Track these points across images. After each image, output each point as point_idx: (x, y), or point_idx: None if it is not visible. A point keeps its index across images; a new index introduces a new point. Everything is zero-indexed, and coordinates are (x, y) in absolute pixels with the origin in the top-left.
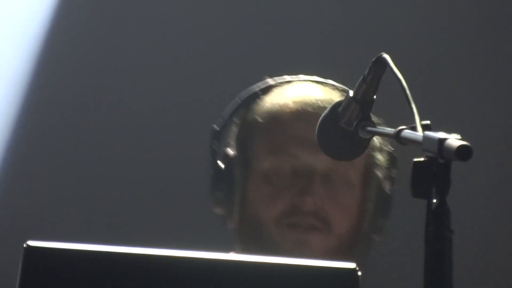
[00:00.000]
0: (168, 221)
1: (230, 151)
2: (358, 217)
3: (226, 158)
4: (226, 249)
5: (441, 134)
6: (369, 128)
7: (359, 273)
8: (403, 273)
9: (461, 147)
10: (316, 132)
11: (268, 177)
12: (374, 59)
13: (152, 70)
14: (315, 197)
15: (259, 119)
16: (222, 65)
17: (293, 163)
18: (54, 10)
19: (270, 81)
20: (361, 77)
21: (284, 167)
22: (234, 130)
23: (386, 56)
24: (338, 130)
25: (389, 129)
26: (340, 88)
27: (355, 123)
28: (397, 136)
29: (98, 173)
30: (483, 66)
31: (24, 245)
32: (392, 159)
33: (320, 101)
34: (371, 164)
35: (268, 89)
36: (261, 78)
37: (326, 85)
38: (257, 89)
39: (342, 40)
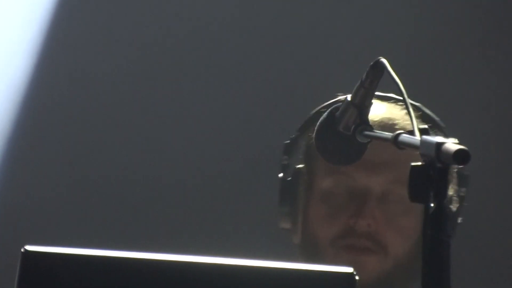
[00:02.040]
0: (168, 223)
1: (298, 167)
2: (418, 239)
3: (292, 173)
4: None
5: (438, 139)
6: (367, 133)
7: (357, 278)
8: None
9: (458, 151)
10: (314, 136)
11: (326, 196)
12: (372, 64)
13: (151, 70)
14: (368, 219)
15: None
16: (221, 67)
17: (349, 183)
18: (53, 11)
19: (341, 98)
20: (359, 81)
21: (340, 188)
22: (303, 145)
23: (384, 61)
24: (336, 135)
25: (387, 133)
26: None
27: (353, 127)
28: (395, 140)
29: (98, 175)
30: (482, 70)
31: (22, 250)
32: (462, 177)
33: (380, 120)
34: None
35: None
36: (258, 80)
37: (390, 102)
38: (324, 106)
39: (341, 44)
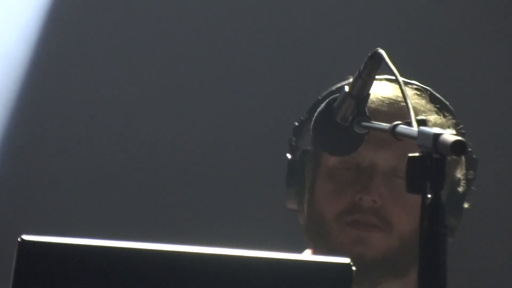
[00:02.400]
0: (163, 216)
1: (305, 148)
2: None
3: (299, 154)
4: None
5: (436, 129)
6: (364, 123)
7: (354, 268)
8: None
9: (456, 142)
10: (311, 127)
11: (332, 174)
12: (369, 54)
13: (147, 66)
14: (374, 195)
15: None
16: (230, 54)
17: (356, 160)
18: (48, 9)
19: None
20: (357, 72)
21: (348, 164)
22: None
23: (382, 51)
24: (334, 125)
25: (384, 124)
26: (414, 86)
27: (350, 118)
28: (392, 131)
29: (95, 170)
30: (481, 63)
31: (19, 239)
32: (470, 160)
33: (388, 98)
34: None
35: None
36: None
37: (396, 82)
38: (334, 88)
39: (342, 36)
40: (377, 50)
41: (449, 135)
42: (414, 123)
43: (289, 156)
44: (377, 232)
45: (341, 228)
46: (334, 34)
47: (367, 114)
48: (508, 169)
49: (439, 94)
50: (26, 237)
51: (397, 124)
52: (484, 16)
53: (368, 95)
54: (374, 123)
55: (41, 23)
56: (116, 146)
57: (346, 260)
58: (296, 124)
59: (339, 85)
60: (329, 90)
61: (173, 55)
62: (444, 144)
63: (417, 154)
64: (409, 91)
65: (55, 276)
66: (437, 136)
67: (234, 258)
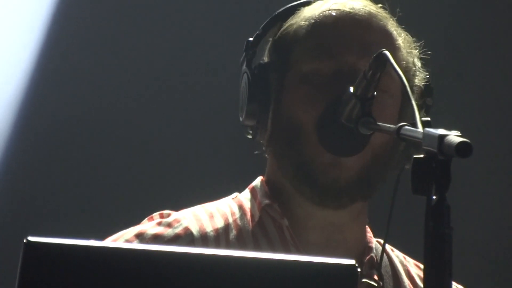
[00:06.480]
0: None
1: (267, 61)
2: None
3: (261, 66)
4: None
5: (441, 131)
6: (370, 125)
7: (359, 270)
8: None
9: (461, 143)
10: (316, 127)
11: (308, 77)
12: (374, 55)
13: (148, 69)
14: None
15: (301, 24)
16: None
17: (337, 64)
18: (54, 11)
19: None
20: (362, 73)
21: (327, 67)
22: (270, 40)
23: (387, 53)
24: (339, 126)
25: (389, 125)
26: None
27: (355, 119)
28: (398, 132)
29: (97, 170)
30: (484, 64)
31: (24, 241)
32: (428, 88)
33: (364, 6)
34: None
35: (305, 4)
36: None
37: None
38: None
39: None
40: (382, 51)
41: (455, 137)
42: (419, 124)
43: (247, 70)
44: None
45: (317, 144)
46: None
47: (372, 115)
48: (508, 168)
49: (437, 93)
50: (31, 238)
51: (403, 125)
52: (486, 15)
53: (374, 96)
54: (379, 125)
55: (44, 24)
56: (119, 147)
57: (351, 261)
58: (251, 39)
59: (295, 3)
60: (285, 7)
61: (173, 56)
62: (450, 146)
63: (422, 156)
64: (373, 4)
65: (60, 277)
66: (442, 137)
67: (238, 260)
